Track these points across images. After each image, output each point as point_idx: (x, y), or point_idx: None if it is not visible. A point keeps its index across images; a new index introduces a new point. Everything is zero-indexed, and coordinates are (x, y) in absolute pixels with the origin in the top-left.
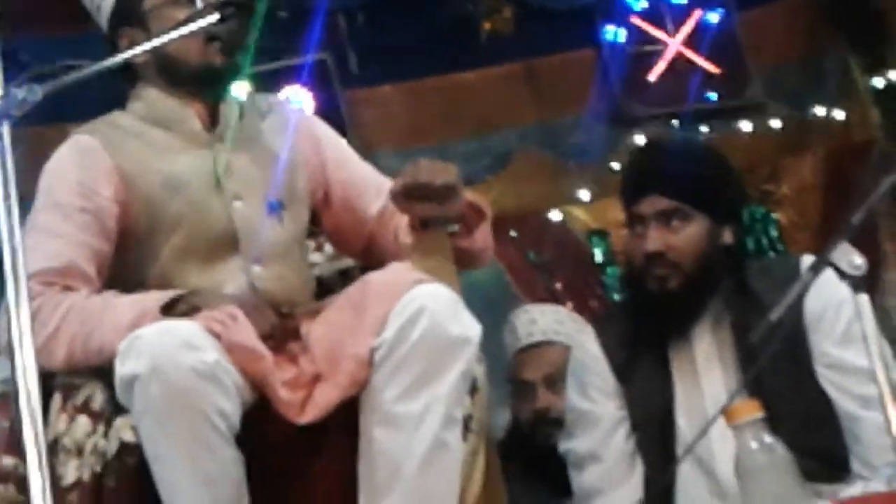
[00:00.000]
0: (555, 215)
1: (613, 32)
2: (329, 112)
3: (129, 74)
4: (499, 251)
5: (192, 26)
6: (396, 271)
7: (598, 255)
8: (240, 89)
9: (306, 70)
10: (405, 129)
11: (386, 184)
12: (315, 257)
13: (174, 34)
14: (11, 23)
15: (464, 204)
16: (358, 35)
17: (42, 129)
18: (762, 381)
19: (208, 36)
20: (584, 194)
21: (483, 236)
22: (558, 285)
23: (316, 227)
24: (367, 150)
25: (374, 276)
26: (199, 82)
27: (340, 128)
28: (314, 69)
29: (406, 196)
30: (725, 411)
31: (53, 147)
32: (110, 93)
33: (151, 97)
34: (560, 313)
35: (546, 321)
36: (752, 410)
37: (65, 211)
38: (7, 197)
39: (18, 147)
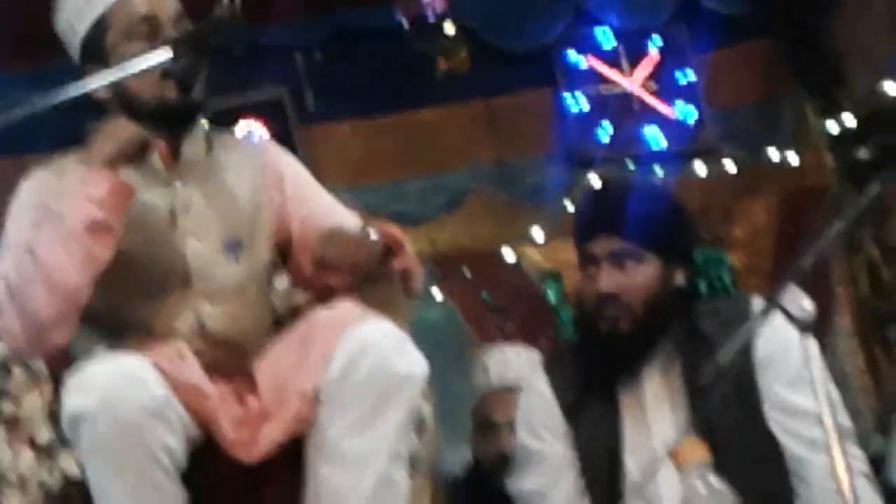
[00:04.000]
0: (509, 255)
1: (570, 73)
2: (284, 148)
3: (96, 110)
4: (452, 290)
5: (144, 63)
6: (343, 308)
7: (552, 297)
8: (201, 125)
9: (263, 106)
10: (360, 167)
11: (348, 219)
12: None
13: (124, 71)
14: None
15: (379, 248)
16: (315, 72)
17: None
18: (711, 423)
19: (163, 72)
20: (539, 234)
21: (412, 256)
22: (511, 326)
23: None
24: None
25: (320, 313)
26: (157, 118)
27: None
28: (271, 106)
29: (317, 266)
30: (673, 454)
31: (11, 179)
32: (72, 127)
33: None
34: (533, 355)
35: (519, 363)
36: (699, 454)
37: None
38: None
39: None
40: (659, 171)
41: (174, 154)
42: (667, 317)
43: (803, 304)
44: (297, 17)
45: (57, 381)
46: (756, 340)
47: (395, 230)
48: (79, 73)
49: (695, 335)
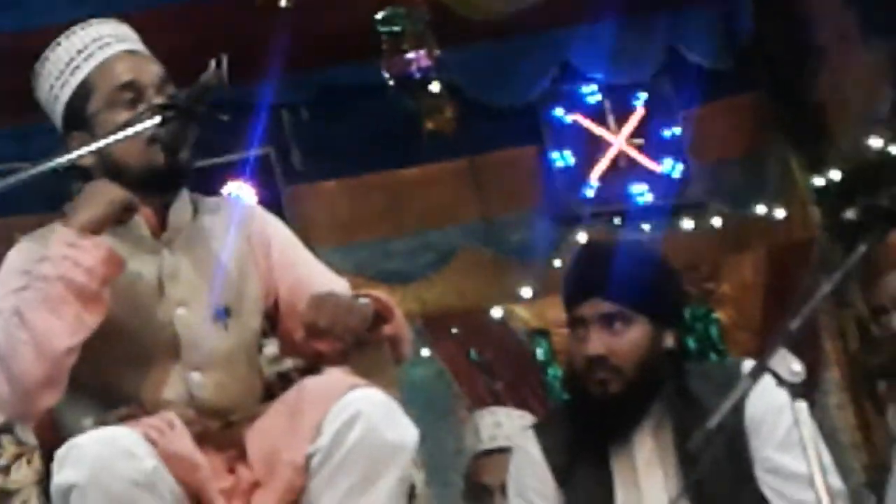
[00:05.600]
0: (496, 313)
1: (556, 130)
2: (271, 207)
3: (81, 177)
4: (440, 349)
5: (131, 130)
6: (332, 376)
7: (540, 355)
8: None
9: (250, 165)
10: (347, 226)
11: (336, 284)
12: None
13: (111, 138)
14: None
15: (371, 312)
16: (302, 131)
17: None
18: (703, 487)
19: (150, 138)
20: (526, 292)
21: (401, 322)
22: (500, 385)
23: (273, 329)
24: (308, 246)
25: (309, 381)
26: (144, 185)
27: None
28: (258, 164)
29: (308, 333)
30: None
31: None
32: (57, 189)
33: None
34: (525, 418)
35: (512, 426)
36: None
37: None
38: None
39: None
40: (646, 227)
41: (161, 220)
42: (657, 379)
43: (793, 366)
44: (282, 75)
45: (47, 453)
46: (746, 404)
47: (383, 295)
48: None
49: (686, 398)
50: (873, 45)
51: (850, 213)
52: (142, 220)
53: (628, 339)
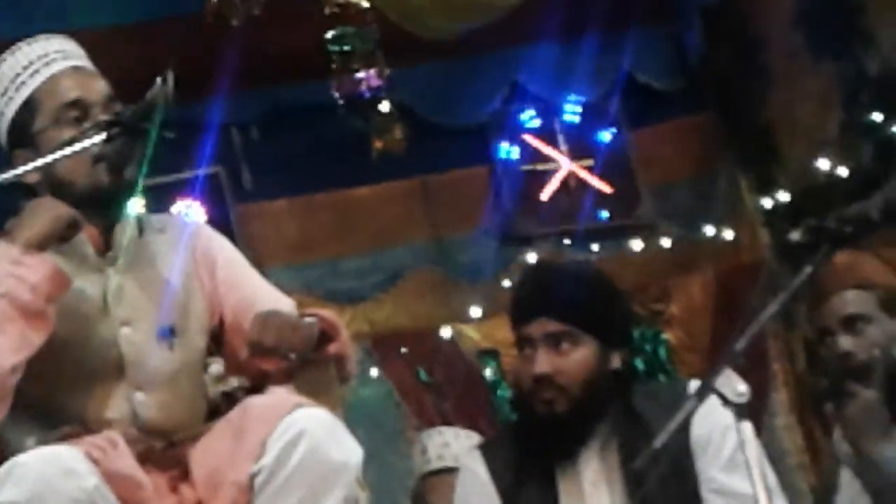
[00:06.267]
0: (446, 333)
1: (506, 150)
2: (220, 226)
3: (26, 194)
4: (389, 369)
5: (78, 145)
6: (276, 395)
7: (489, 375)
8: (134, 208)
9: (199, 184)
10: (296, 245)
11: (282, 303)
12: None
13: (56, 155)
14: None
15: (316, 330)
16: (251, 149)
17: None
18: None
19: (95, 156)
20: (475, 312)
21: (346, 341)
22: (448, 405)
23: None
24: (257, 266)
25: (253, 400)
26: (89, 203)
27: (231, 243)
28: (207, 183)
29: (253, 351)
30: None
31: None
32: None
33: None
34: (473, 438)
35: (459, 446)
36: None
37: None
38: None
39: None
40: (595, 247)
41: (106, 239)
42: (604, 399)
43: (738, 387)
44: (232, 94)
45: None
46: (692, 424)
47: (329, 314)
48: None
49: (632, 418)
50: (822, 66)
51: (795, 235)
52: (86, 239)
53: (575, 358)
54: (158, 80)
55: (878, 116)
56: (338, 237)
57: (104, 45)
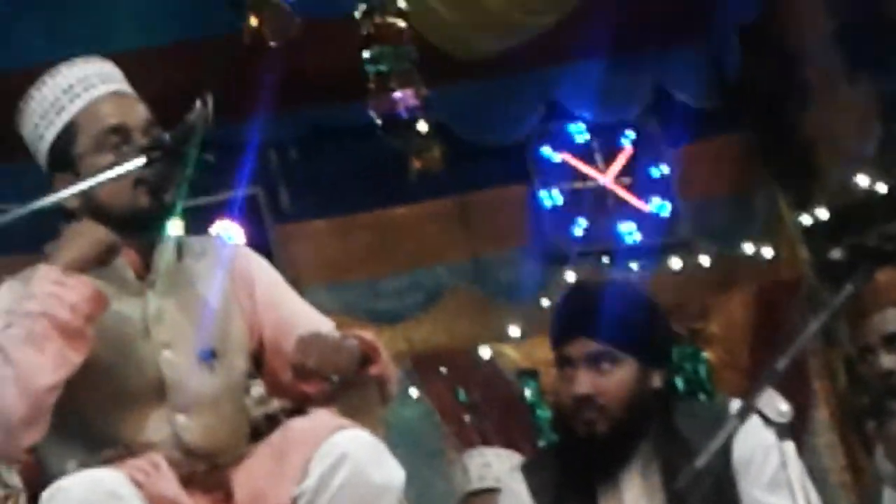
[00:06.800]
0: (485, 353)
1: (545, 169)
2: (259, 247)
3: (66, 218)
4: (429, 389)
5: (118, 170)
6: (318, 417)
7: (528, 395)
8: (174, 230)
9: (238, 205)
10: (336, 265)
11: (321, 324)
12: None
13: (97, 179)
14: None
15: (358, 352)
16: (289, 170)
17: None
18: None
19: (136, 179)
20: (515, 332)
21: (387, 362)
22: (488, 425)
23: (258, 370)
24: (296, 286)
25: (295, 423)
26: (129, 226)
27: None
28: (246, 204)
29: (296, 373)
30: None
31: None
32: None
33: None
34: (514, 458)
35: (501, 467)
36: None
37: None
38: None
39: None
40: (634, 266)
41: (145, 262)
42: (645, 419)
43: (780, 407)
44: (270, 115)
45: (33, 496)
46: (734, 444)
47: (370, 336)
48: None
49: (673, 437)
50: (861, 82)
51: (836, 253)
52: (126, 262)
53: (615, 378)
54: (198, 102)
55: None
56: (376, 257)
57: (142, 66)
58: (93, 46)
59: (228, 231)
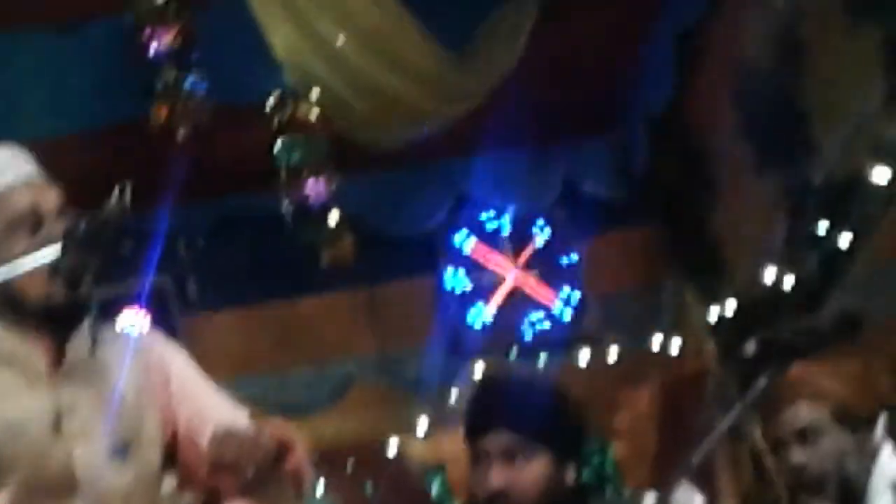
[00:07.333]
0: (392, 446)
1: (452, 262)
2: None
3: None
4: (335, 483)
5: (33, 261)
6: None
7: (435, 490)
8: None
9: (144, 295)
10: (243, 357)
11: (236, 415)
12: None
13: (12, 271)
14: None
15: (271, 447)
16: (197, 260)
17: None
18: None
19: (51, 269)
20: (422, 425)
21: (303, 457)
22: None
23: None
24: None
25: None
26: (43, 318)
27: None
28: (154, 294)
29: (213, 468)
30: None
31: None
32: None
33: None
34: None
35: None
36: None
37: None
38: None
39: None
40: (542, 358)
41: (59, 354)
42: None
43: (694, 500)
44: (179, 204)
45: None
46: None
47: (287, 430)
48: None
49: None
50: (768, 177)
51: (749, 347)
52: (39, 353)
53: (530, 473)
54: (116, 190)
55: (822, 227)
56: (284, 349)
57: (54, 154)
58: (4, 134)
59: (136, 321)
